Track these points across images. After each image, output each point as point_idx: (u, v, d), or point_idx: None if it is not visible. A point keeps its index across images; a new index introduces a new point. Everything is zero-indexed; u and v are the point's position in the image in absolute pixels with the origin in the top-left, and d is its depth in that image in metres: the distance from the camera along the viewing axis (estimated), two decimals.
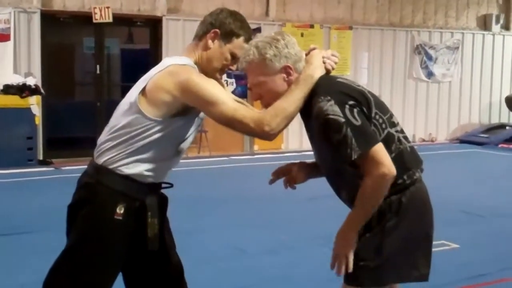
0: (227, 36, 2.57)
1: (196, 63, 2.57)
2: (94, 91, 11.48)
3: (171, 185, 2.69)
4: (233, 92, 3.13)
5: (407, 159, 2.46)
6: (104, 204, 2.50)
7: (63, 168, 9.72)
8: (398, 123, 2.52)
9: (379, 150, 2.31)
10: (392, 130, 2.45)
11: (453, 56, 14.44)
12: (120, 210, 2.48)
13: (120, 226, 2.49)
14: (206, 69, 2.58)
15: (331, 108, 2.30)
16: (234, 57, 2.59)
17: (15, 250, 5.36)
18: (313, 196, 7.01)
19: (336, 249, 2.45)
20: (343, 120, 2.28)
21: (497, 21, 14.82)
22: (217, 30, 2.57)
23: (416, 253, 2.50)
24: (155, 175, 2.57)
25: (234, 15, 2.62)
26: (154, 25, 11.64)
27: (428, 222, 2.54)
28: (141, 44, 12.92)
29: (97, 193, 2.52)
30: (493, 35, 14.89)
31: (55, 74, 11.28)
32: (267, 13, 12.20)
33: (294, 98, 2.40)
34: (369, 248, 2.42)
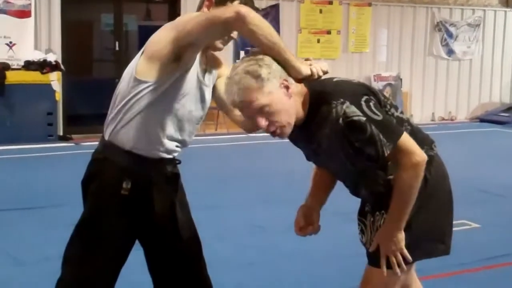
0: (221, 2, 2.47)
1: None
2: (113, 68, 11.51)
3: (179, 162, 2.65)
4: None
5: (419, 137, 2.43)
6: (111, 179, 2.50)
7: (82, 143, 9.80)
8: (397, 107, 2.49)
9: (407, 139, 2.27)
10: (398, 113, 2.42)
11: (474, 33, 14.26)
12: (127, 185, 2.48)
13: (127, 201, 2.49)
14: (207, 43, 2.51)
15: (348, 110, 2.20)
16: None
17: (38, 223, 5.45)
18: None
19: (386, 251, 2.38)
20: (364, 118, 2.20)
21: None
22: None
23: (443, 227, 2.51)
24: (160, 149, 2.52)
25: None
26: (172, 1, 11.60)
27: (450, 195, 2.54)
28: (159, 21, 12.89)
29: (104, 169, 2.52)
30: None
31: (75, 50, 11.33)
32: None
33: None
34: None
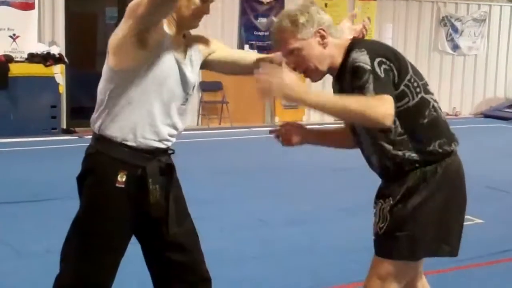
0: None
1: (172, 23, 2.51)
2: None
3: (173, 152, 2.64)
4: None
5: (440, 127, 2.45)
6: (105, 173, 2.49)
7: (86, 136, 9.78)
8: (433, 93, 2.50)
9: (389, 99, 2.26)
10: (427, 96, 2.44)
11: (479, 28, 14.21)
12: (121, 178, 2.47)
13: (123, 194, 2.48)
14: (180, 22, 2.51)
15: (362, 57, 2.32)
16: (204, 1, 2.48)
17: (40, 216, 5.45)
18: (337, 168, 7.02)
19: (274, 84, 2.32)
20: (369, 68, 2.29)
21: None
22: None
23: (450, 228, 2.48)
24: (150, 138, 2.51)
25: None
26: None
27: (462, 196, 2.53)
28: None
29: (98, 163, 2.52)
30: None
31: (79, 43, 11.31)
32: None
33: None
34: (402, 219, 2.40)
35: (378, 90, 2.26)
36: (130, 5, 2.42)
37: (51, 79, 9.83)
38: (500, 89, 14.68)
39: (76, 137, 9.91)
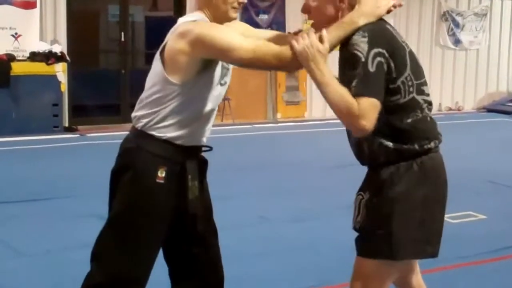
0: None
1: (206, 14, 2.53)
2: (118, 59, 11.49)
3: (211, 148, 2.69)
4: None
5: (423, 127, 2.41)
6: (146, 168, 2.50)
7: (88, 135, 9.80)
8: (428, 94, 2.46)
9: (372, 104, 2.25)
10: (419, 97, 2.40)
11: (481, 23, 14.16)
12: (161, 173, 2.49)
13: (163, 189, 2.50)
14: (218, 15, 2.53)
15: (362, 44, 2.29)
16: None
17: (42, 216, 5.44)
18: (339, 165, 7.00)
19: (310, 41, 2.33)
20: (363, 60, 2.27)
21: None
22: None
23: (431, 227, 2.42)
24: (192, 137, 2.57)
25: None
26: None
27: (442, 195, 2.47)
28: (165, 11, 12.87)
29: (138, 158, 2.52)
30: None
31: (81, 41, 11.32)
32: None
33: (327, 37, 2.34)
34: (379, 216, 2.36)
35: (358, 91, 2.24)
36: (198, 32, 2.40)
37: (53, 78, 9.83)
38: (503, 83, 14.64)
39: (78, 135, 9.90)
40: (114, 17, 12.03)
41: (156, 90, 2.51)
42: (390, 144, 2.36)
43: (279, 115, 12.13)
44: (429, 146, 2.41)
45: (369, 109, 2.24)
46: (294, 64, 2.37)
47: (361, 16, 2.36)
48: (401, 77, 2.34)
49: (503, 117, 12.87)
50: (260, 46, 2.39)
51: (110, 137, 8.60)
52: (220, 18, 2.54)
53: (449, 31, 13.85)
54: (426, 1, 13.56)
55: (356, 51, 2.29)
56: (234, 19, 2.60)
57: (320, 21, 2.44)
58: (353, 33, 2.33)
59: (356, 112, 2.23)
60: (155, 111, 2.51)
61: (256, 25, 11.71)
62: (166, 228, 2.60)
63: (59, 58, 9.90)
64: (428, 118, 2.45)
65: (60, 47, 10.08)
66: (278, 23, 11.57)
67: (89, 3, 12.32)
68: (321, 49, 2.31)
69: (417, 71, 2.42)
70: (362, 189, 2.48)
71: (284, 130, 10.69)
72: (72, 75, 10.53)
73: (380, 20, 2.42)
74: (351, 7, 2.40)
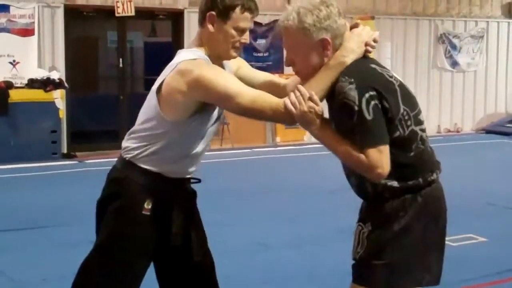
0: (223, 14, 2.46)
1: (206, 51, 2.51)
2: (117, 85, 11.51)
3: (199, 181, 2.67)
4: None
5: (426, 160, 2.39)
6: (133, 199, 2.50)
7: (86, 161, 9.78)
8: (423, 121, 2.42)
9: (382, 151, 2.23)
10: (417, 128, 2.35)
11: (477, 45, 14.23)
12: (147, 205, 2.48)
13: (148, 221, 2.49)
14: (218, 53, 2.52)
15: (349, 92, 2.21)
16: (242, 30, 2.49)
17: (38, 244, 5.39)
18: (334, 189, 6.96)
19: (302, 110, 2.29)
20: (356, 108, 2.21)
21: None
22: (212, 12, 2.46)
23: (430, 256, 2.40)
24: (181, 171, 2.56)
25: None
26: (176, 18, 11.62)
27: (442, 223, 2.46)
28: (163, 37, 12.93)
29: (126, 188, 2.52)
30: None
31: (79, 68, 11.36)
32: (288, 2, 12.11)
33: (318, 86, 2.28)
34: (380, 246, 2.33)
35: (366, 144, 2.21)
36: (198, 74, 2.37)
37: (51, 104, 9.84)
38: (501, 104, 14.66)
39: (76, 162, 9.89)
40: (113, 43, 12.09)
41: (149, 125, 2.50)
42: (395, 183, 2.33)
43: (278, 139, 12.12)
44: (432, 178, 2.39)
45: (378, 158, 2.22)
46: (291, 119, 2.32)
47: (349, 54, 2.31)
48: (398, 115, 2.29)
49: (502, 138, 12.86)
50: (259, 96, 2.36)
51: (109, 163, 8.53)
52: (220, 56, 2.53)
53: (446, 53, 13.90)
54: (423, 23, 13.63)
55: (346, 100, 2.22)
56: (234, 58, 2.58)
57: (305, 72, 2.37)
58: (337, 80, 2.27)
59: (367, 164, 2.22)
60: (146, 144, 2.50)
61: (254, 49, 11.77)
62: (150, 259, 2.59)
63: (57, 84, 9.92)
64: (429, 148, 2.43)
65: (58, 74, 10.11)
66: (275, 48, 11.63)
67: (88, 29, 12.38)
68: (318, 111, 2.26)
69: (411, 102, 2.36)
70: (362, 220, 2.44)
71: (283, 154, 10.66)
72: (70, 102, 10.54)
73: (363, 58, 2.37)
74: (335, 50, 2.33)
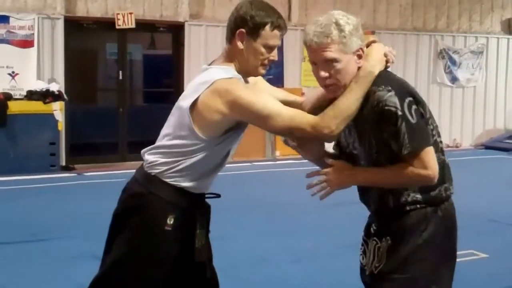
0: (253, 31, 2.47)
1: (236, 68, 2.52)
2: (116, 97, 11.50)
3: (219, 196, 2.68)
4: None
5: (446, 171, 2.41)
6: (156, 214, 2.48)
7: (85, 173, 9.73)
8: (440, 134, 2.46)
9: (429, 152, 2.27)
10: (438, 140, 2.41)
11: (477, 60, 14.26)
12: (170, 221, 2.47)
13: (170, 237, 2.48)
14: (247, 70, 2.53)
15: (390, 99, 2.24)
16: (271, 47, 2.51)
17: (37, 257, 5.34)
18: (338, 203, 6.92)
19: (336, 178, 2.39)
20: (400, 113, 2.22)
21: None
22: (242, 29, 2.48)
23: (442, 270, 2.40)
24: (204, 186, 2.57)
25: (254, 4, 2.51)
26: (176, 30, 11.64)
27: (455, 239, 2.48)
28: (163, 50, 12.95)
29: (149, 203, 2.49)
30: None
31: (78, 80, 11.34)
32: (289, 18, 12.12)
33: (353, 98, 2.30)
34: (402, 260, 2.33)
35: (415, 146, 2.22)
36: (237, 96, 2.38)
37: (50, 116, 9.82)
38: (500, 120, 14.67)
39: (75, 174, 9.84)
40: (112, 55, 12.08)
41: (180, 142, 2.48)
42: (418, 195, 2.34)
43: (278, 153, 12.10)
44: (451, 191, 2.42)
45: (428, 159, 2.25)
46: (331, 137, 2.36)
47: (376, 64, 2.35)
48: (429, 123, 2.35)
49: (501, 154, 12.85)
50: (296, 115, 2.38)
51: (108, 176, 8.63)
52: (249, 72, 2.54)
53: (446, 68, 13.92)
54: (423, 39, 13.67)
55: (388, 107, 2.23)
56: (262, 75, 2.59)
57: (343, 84, 2.35)
58: (371, 91, 2.30)
59: (419, 168, 2.24)
60: (176, 160, 2.48)
61: None
62: (167, 276, 2.56)
63: (56, 96, 9.90)
64: (447, 161, 2.45)
65: (57, 86, 10.09)
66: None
67: (87, 41, 12.38)
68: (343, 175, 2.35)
69: (431, 114, 2.42)
70: (377, 235, 2.42)
71: (283, 167, 10.64)
72: (69, 114, 10.52)
73: (385, 70, 2.41)
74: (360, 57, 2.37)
